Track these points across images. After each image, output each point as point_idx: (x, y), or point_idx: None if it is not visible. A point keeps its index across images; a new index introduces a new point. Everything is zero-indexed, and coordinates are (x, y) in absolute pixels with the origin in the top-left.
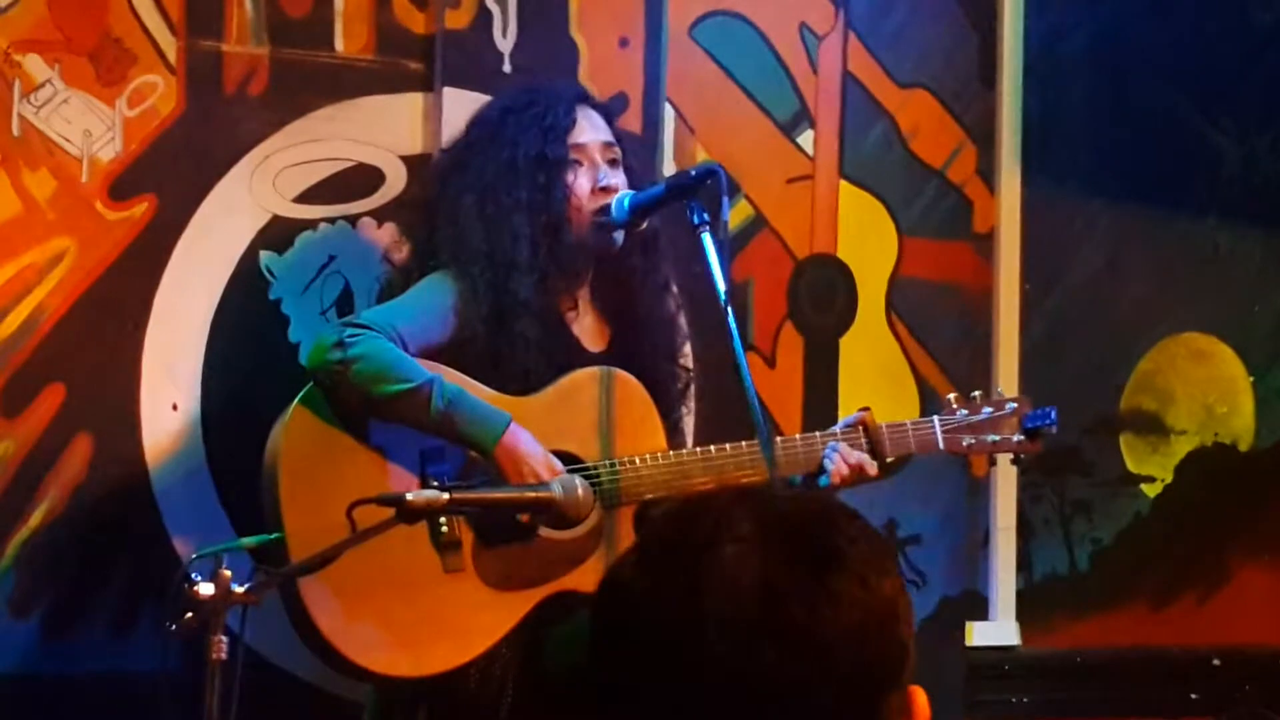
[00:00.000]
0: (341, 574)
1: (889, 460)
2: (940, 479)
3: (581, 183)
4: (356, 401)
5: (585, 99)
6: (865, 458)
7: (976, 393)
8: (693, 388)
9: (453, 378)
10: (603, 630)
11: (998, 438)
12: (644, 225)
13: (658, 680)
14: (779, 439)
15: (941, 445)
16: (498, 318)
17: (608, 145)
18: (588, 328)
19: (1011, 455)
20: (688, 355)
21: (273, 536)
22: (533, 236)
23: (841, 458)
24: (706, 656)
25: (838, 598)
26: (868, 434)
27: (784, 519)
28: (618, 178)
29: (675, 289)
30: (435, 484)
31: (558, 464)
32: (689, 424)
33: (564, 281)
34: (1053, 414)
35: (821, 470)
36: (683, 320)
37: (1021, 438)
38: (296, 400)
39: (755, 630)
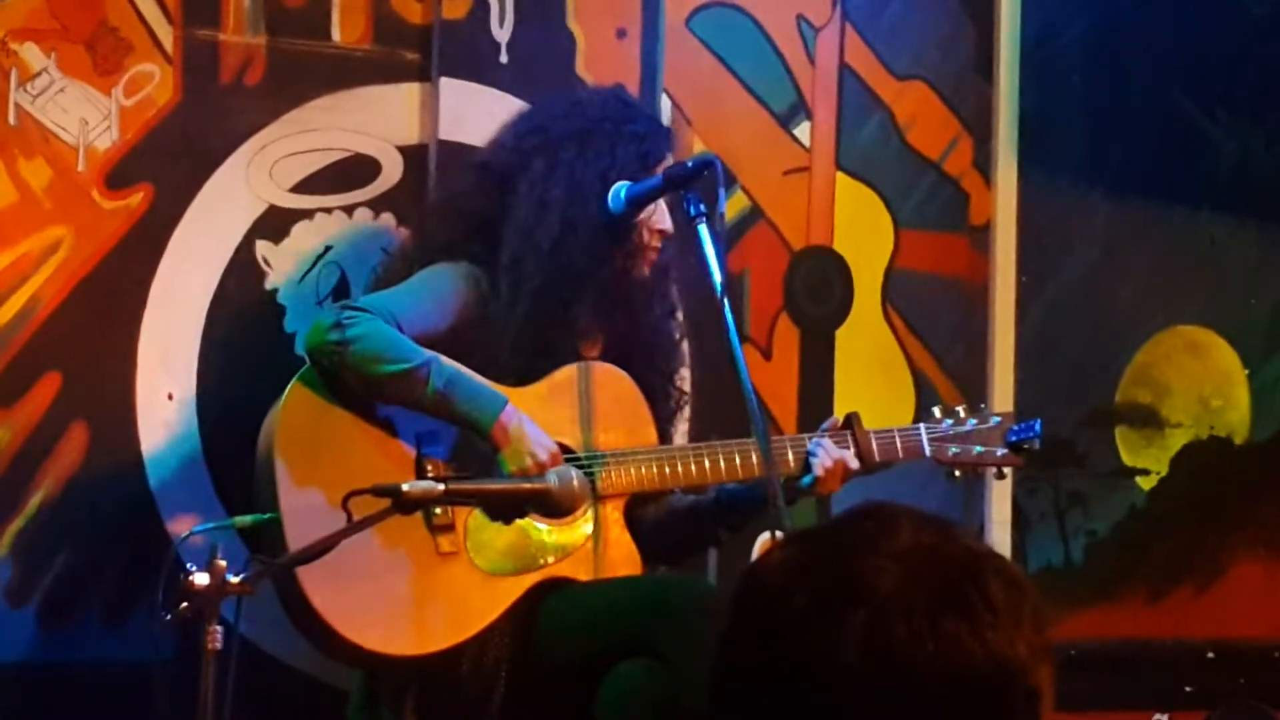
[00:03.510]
0: (337, 556)
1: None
2: (935, 471)
3: (655, 218)
4: (354, 382)
5: (670, 134)
6: (848, 455)
7: (960, 407)
8: (686, 410)
9: (449, 363)
10: (738, 622)
11: (982, 449)
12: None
13: (783, 682)
14: None
15: (929, 453)
16: (511, 324)
17: None
18: (589, 338)
19: (995, 470)
20: (685, 379)
21: (267, 516)
22: (598, 254)
23: (826, 453)
24: (834, 666)
25: (946, 640)
26: (855, 440)
27: (933, 559)
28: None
29: (681, 317)
30: (431, 472)
31: (553, 444)
32: (680, 433)
33: (591, 309)
34: (1037, 426)
35: (807, 468)
36: (685, 348)
37: (1005, 451)
38: (295, 379)
39: (868, 648)
